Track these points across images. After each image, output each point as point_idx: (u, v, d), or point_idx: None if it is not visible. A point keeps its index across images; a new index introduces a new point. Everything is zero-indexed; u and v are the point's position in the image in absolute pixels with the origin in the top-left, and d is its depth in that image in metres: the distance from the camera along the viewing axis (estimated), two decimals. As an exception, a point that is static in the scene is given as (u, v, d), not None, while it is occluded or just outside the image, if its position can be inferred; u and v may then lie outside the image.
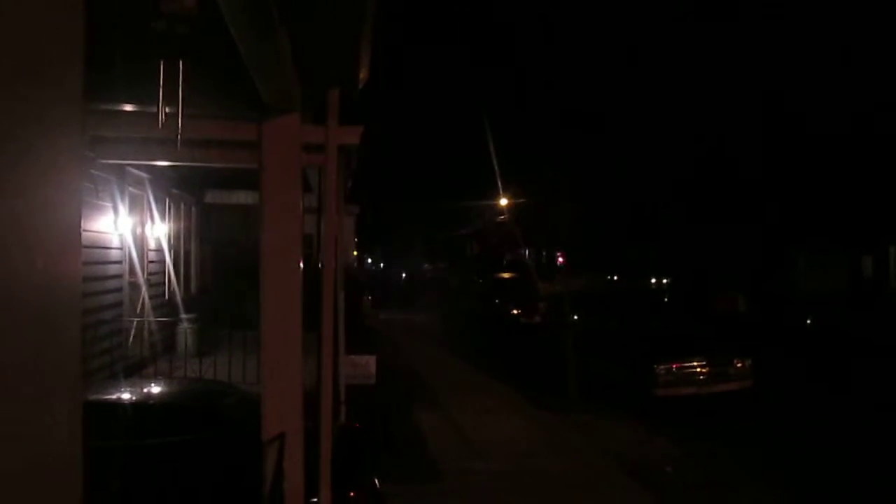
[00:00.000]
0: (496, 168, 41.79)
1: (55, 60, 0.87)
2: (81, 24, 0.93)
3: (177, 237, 14.05)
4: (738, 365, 13.25)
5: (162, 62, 2.56)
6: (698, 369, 13.00)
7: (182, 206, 14.48)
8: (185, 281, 14.52)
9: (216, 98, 4.63)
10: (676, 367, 12.91)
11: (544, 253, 51.62)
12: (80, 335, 0.97)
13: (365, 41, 3.21)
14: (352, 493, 5.76)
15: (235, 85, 3.81)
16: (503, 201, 46.98)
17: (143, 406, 5.98)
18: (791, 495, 8.92)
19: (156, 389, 6.78)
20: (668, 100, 39.73)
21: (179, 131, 2.95)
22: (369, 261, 57.61)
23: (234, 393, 6.87)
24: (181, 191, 14.05)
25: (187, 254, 14.97)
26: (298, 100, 3.78)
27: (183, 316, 12.46)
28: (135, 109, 5.09)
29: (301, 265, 4.34)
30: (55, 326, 0.87)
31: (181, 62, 2.58)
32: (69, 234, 0.91)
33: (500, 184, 43.99)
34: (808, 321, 24.18)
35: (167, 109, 2.84)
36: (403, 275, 48.26)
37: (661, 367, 12.85)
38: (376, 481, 6.46)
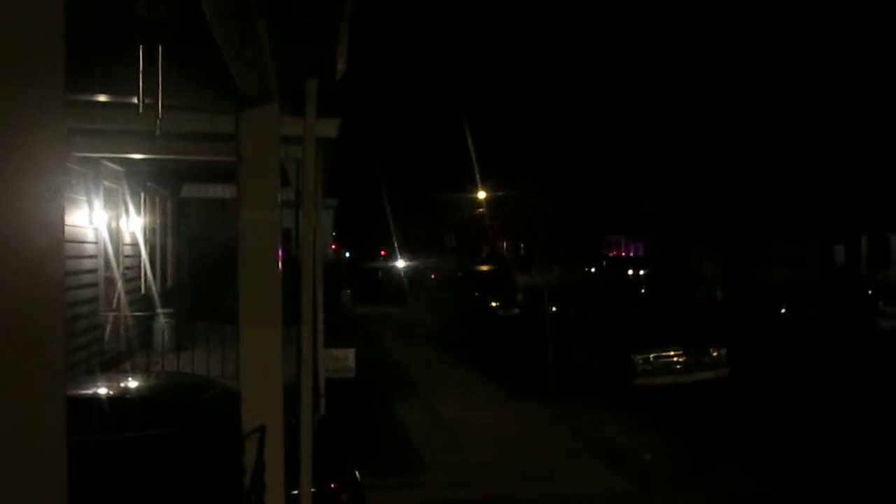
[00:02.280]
0: (475, 162, 41.81)
1: (34, 52, 0.86)
2: (61, 13, 0.92)
3: (153, 231, 13.91)
4: (714, 354, 13.41)
5: (141, 47, 2.53)
6: (675, 359, 13.14)
7: (158, 199, 14.33)
8: (162, 275, 14.39)
9: (194, 90, 4.59)
10: (654, 357, 13.04)
11: (522, 245, 51.81)
12: (65, 332, 0.96)
13: (343, 29, 3.20)
14: (333, 485, 5.77)
15: (213, 76, 3.78)
16: (481, 195, 47.04)
17: (122, 400, 5.93)
18: (765, 479, 9.06)
19: (134, 384, 6.72)
20: (645, 95, 39.97)
21: (160, 115, 2.93)
22: (347, 255, 57.45)
23: (214, 386, 6.83)
24: (157, 184, 13.91)
25: (163, 248, 14.83)
26: (276, 90, 3.76)
27: (160, 310, 12.35)
28: (110, 100, 5.02)
29: (280, 257, 4.33)
30: (39, 324, 0.87)
31: (160, 46, 2.55)
32: (52, 233, 0.90)
33: (478, 177, 44.02)
34: (783, 310, 24.51)
35: (146, 100, 2.82)
36: (379, 270, 48.18)
37: (639, 356, 12.98)
38: (357, 473, 6.47)
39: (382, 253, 51.41)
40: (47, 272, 0.88)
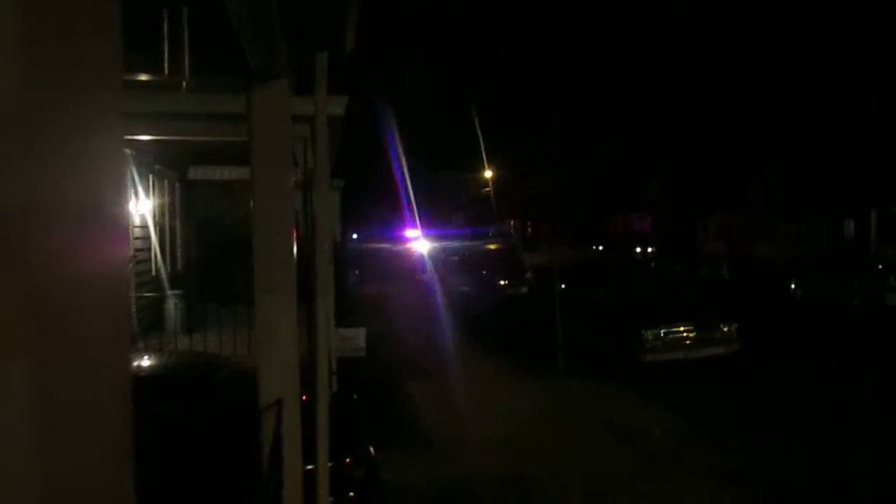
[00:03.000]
0: (481, 141, 41.66)
1: (91, 32, 0.85)
2: None
3: (161, 214, 13.94)
4: (725, 329, 13.41)
5: (165, 13, 2.53)
6: (685, 334, 13.14)
7: (166, 182, 14.36)
8: (171, 257, 14.45)
9: (204, 68, 4.58)
10: (663, 333, 13.05)
11: (529, 224, 51.76)
12: (129, 317, 0.99)
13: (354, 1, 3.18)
14: (348, 460, 5.83)
15: (223, 53, 3.78)
16: (488, 174, 46.93)
17: (137, 379, 5.98)
18: (774, 454, 9.08)
19: (148, 363, 6.78)
20: (652, 73, 39.65)
21: (186, 78, 2.93)
22: (354, 236, 57.49)
23: (227, 365, 6.90)
24: (165, 167, 13.92)
25: (172, 230, 14.88)
26: (287, 65, 3.75)
27: (170, 292, 12.42)
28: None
29: (293, 232, 4.34)
30: (107, 310, 0.90)
31: (185, 9, 2.56)
32: (116, 219, 0.92)
33: (484, 156, 43.91)
34: (793, 286, 24.45)
35: (169, 66, 2.81)
36: (386, 249, 48.09)
37: (648, 333, 12.99)
38: (371, 449, 6.53)
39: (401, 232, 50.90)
40: (112, 260, 0.90)
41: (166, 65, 2.85)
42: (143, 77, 4.65)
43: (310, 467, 4.92)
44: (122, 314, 0.96)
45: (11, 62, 0.65)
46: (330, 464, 5.07)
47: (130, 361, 1.07)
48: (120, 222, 0.94)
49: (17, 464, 0.67)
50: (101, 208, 0.87)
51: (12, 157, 0.66)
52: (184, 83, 3.15)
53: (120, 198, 0.94)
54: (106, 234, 0.88)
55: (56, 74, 0.75)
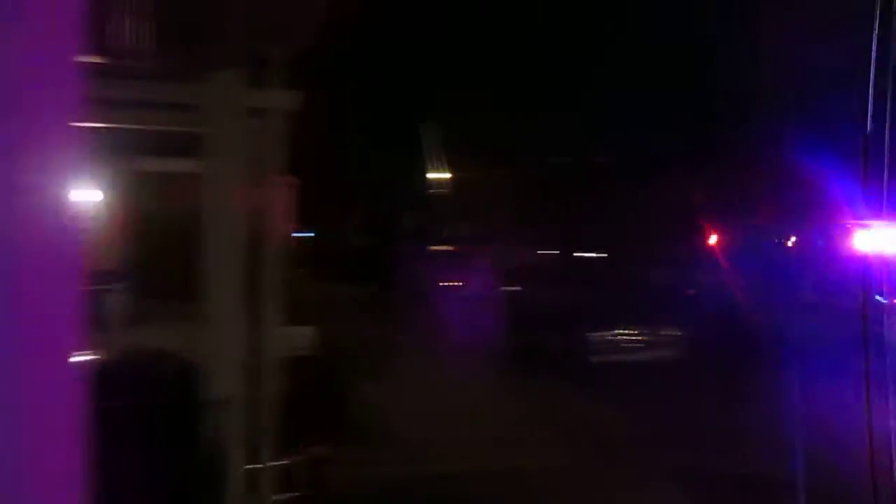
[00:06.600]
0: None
1: (53, 14, 0.82)
2: None
3: (104, 205, 13.59)
4: (670, 334, 13.64)
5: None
6: (632, 338, 13.35)
7: (110, 172, 14.00)
8: (116, 250, 14.10)
9: (156, 54, 4.47)
10: (610, 336, 13.24)
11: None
12: (82, 306, 0.99)
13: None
14: (293, 459, 5.76)
15: (176, 40, 3.70)
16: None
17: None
18: (718, 453, 9.19)
19: (90, 357, 6.59)
20: (665, 76, 39.68)
21: (146, 62, 2.84)
22: (312, 234, 56.37)
23: (170, 361, 6.73)
24: (108, 156, 13.56)
25: (115, 222, 14.52)
26: (242, 57, 3.68)
27: (111, 285, 12.09)
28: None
29: (242, 231, 4.28)
30: (59, 301, 0.89)
31: None
32: (70, 208, 0.90)
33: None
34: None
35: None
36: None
37: (595, 335, 13.16)
38: (318, 447, 6.48)
39: None
40: (64, 249, 0.87)
41: (127, 48, 2.78)
42: (98, 59, 4.51)
43: (254, 466, 4.86)
44: (74, 305, 0.93)
45: None
46: (275, 462, 5.01)
47: (84, 354, 1.06)
48: (73, 212, 0.91)
49: None
50: (55, 197, 0.84)
51: None
52: (144, 67, 3.07)
53: (74, 186, 0.91)
54: (58, 224, 0.85)
55: (12, 56, 0.71)
